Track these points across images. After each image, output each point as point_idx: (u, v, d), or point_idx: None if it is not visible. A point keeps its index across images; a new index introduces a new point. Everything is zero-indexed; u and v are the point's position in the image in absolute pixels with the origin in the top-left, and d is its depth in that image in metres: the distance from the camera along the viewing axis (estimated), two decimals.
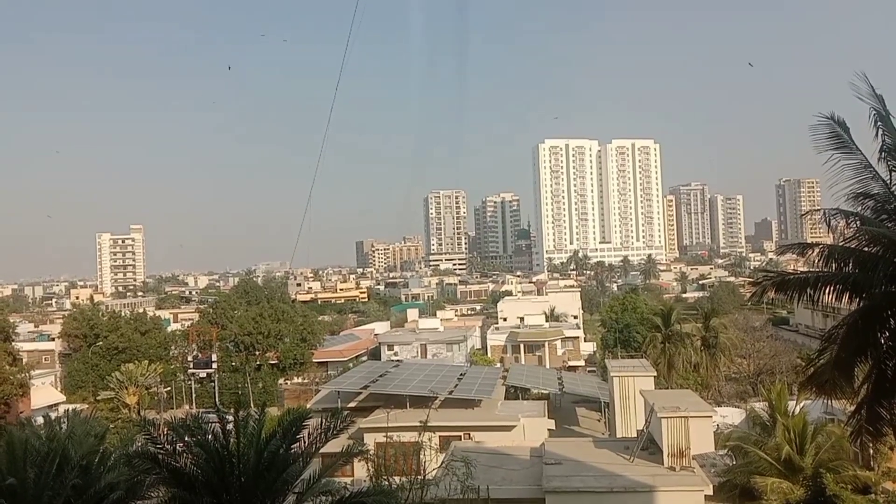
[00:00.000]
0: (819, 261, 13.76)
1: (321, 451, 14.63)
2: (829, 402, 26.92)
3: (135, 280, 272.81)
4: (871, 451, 25.07)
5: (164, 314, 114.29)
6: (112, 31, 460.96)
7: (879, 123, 13.43)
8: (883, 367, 13.32)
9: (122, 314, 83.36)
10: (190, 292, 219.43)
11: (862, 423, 13.60)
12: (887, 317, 13.41)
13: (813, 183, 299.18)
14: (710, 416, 27.82)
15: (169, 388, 67.56)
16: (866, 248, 13.43)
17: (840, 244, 13.87)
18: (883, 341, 13.44)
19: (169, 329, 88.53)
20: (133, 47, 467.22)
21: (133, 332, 72.24)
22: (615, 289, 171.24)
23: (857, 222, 13.67)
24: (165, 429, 14.93)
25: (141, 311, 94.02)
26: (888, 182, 13.55)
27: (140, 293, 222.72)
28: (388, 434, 23.70)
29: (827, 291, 13.57)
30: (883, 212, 13.75)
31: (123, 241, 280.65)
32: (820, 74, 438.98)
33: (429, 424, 22.84)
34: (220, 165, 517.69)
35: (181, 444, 14.15)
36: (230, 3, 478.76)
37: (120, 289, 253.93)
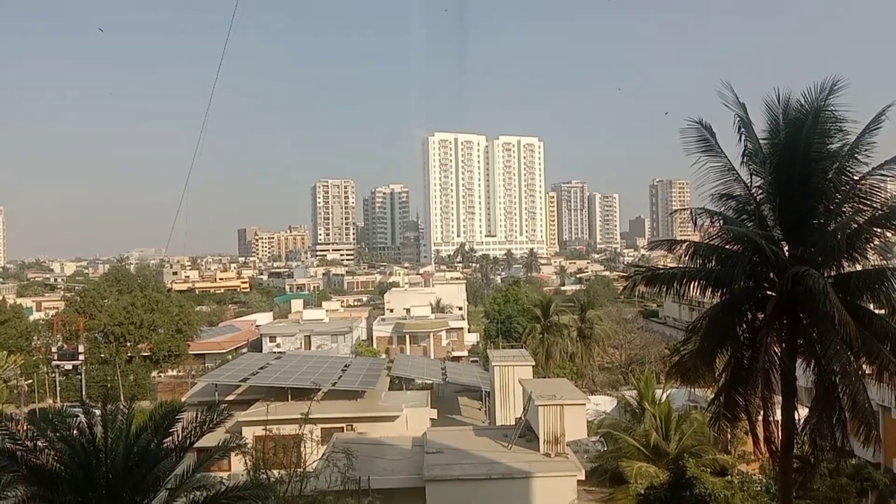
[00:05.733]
0: (686, 257, 14.61)
1: (196, 445, 14.14)
2: (692, 391, 28.75)
3: None
4: (729, 436, 26.93)
5: (26, 302, 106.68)
6: None
7: (742, 130, 14.39)
8: (740, 356, 14.32)
9: None
10: (55, 279, 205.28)
11: (720, 410, 14.56)
12: (745, 310, 14.42)
13: (683, 184, 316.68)
14: (584, 404, 29.06)
15: (30, 381, 63.22)
16: (728, 246, 14.39)
17: (705, 242, 14.78)
18: (741, 333, 14.45)
19: (31, 318, 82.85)
20: None
21: None
22: (499, 281, 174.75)
23: (721, 221, 14.60)
24: (25, 424, 14.01)
25: (0, 298, 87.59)
26: (749, 185, 14.55)
27: None
28: (268, 427, 23.28)
29: (692, 286, 14.45)
30: (744, 212, 14.76)
31: None
32: (694, 79, 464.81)
33: (310, 416, 22.61)
34: (91, 144, 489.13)
35: (43, 440, 13.32)
36: None
37: None
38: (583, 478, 23.01)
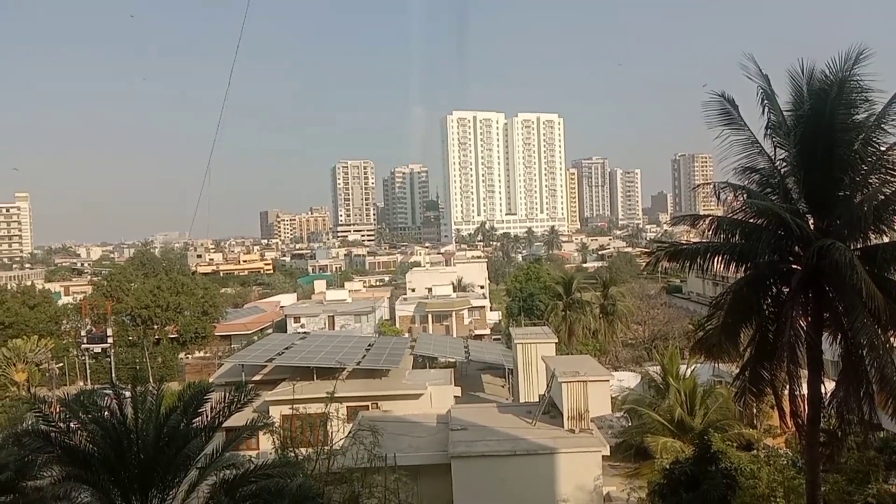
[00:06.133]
0: (709, 232, 14.47)
1: (225, 425, 14.36)
2: (717, 366, 28.65)
3: (21, 251, 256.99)
4: (755, 411, 26.82)
5: (55, 287, 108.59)
6: None
7: (766, 102, 14.15)
8: (765, 331, 14.20)
9: (8, 287, 78.63)
10: (82, 264, 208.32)
11: (746, 384, 14.48)
12: (770, 284, 14.28)
13: (706, 158, 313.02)
14: (608, 381, 29.03)
15: (61, 365, 64.40)
16: (752, 220, 14.21)
17: (728, 216, 14.62)
18: (766, 307, 14.31)
19: (60, 303, 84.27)
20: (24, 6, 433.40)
21: (21, 306, 68.28)
22: (520, 259, 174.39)
23: (744, 195, 14.42)
24: (58, 406, 14.30)
25: (29, 283, 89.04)
26: (773, 157, 14.34)
27: (28, 265, 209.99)
28: (295, 406, 23.55)
29: (716, 261, 14.31)
30: (768, 185, 14.57)
31: (8, 210, 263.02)
32: (716, 53, 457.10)
33: (336, 395, 22.86)
34: (114, 131, 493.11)
35: (75, 422, 13.59)
36: None
37: (5, 261, 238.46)
38: (607, 453, 23.08)
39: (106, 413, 13.70)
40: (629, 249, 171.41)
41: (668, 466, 19.85)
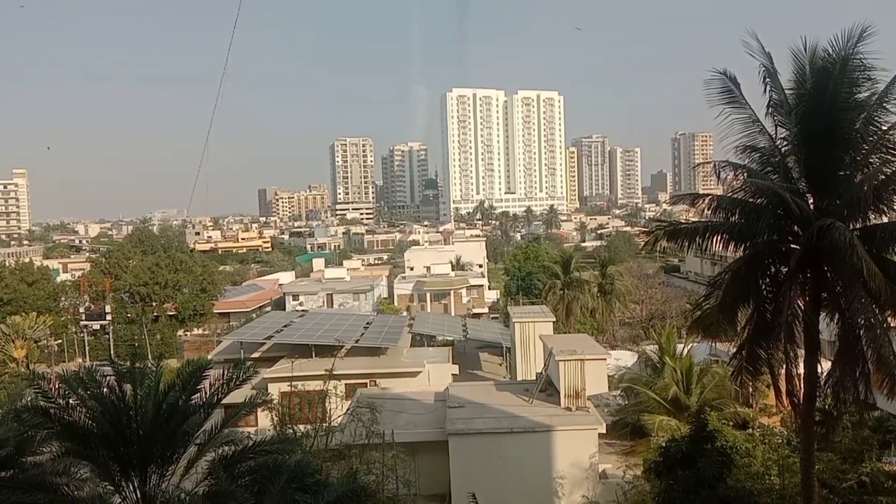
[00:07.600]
0: (708, 211, 14.43)
1: (224, 401, 14.37)
2: (713, 344, 28.75)
3: (19, 228, 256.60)
4: (751, 390, 26.95)
5: (53, 264, 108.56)
6: None
7: (768, 80, 14.03)
8: (763, 310, 14.21)
9: (6, 264, 78.55)
10: (80, 241, 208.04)
11: (742, 364, 14.51)
12: (769, 264, 14.26)
13: (706, 136, 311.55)
14: (605, 359, 29.19)
15: (60, 341, 64.59)
16: (752, 199, 14.16)
17: (728, 195, 14.57)
18: (764, 287, 14.31)
19: (58, 279, 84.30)
20: None
21: (19, 283, 68.28)
22: (519, 238, 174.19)
23: (745, 174, 14.36)
24: (57, 382, 14.32)
25: (27, 260, 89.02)
26: (774, 136, 14.25)
27: (25, 242, 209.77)
28: (293, 383, 23.67)
29: (715, 240, 14.28)
30: (768, 164, 14.49)
31: (5, 187, 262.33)
32: (717, 31, 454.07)
33: (334, 373, 22.98)
34: (112, 107, 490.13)
35: (74, 398, 13.60)
36: None
37: (3, 237, 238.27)
38: (604, 431, 23.24)
39: (105, 389, 13.71)
40: (628, 228, 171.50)
41: (663, 444, 19.98)
